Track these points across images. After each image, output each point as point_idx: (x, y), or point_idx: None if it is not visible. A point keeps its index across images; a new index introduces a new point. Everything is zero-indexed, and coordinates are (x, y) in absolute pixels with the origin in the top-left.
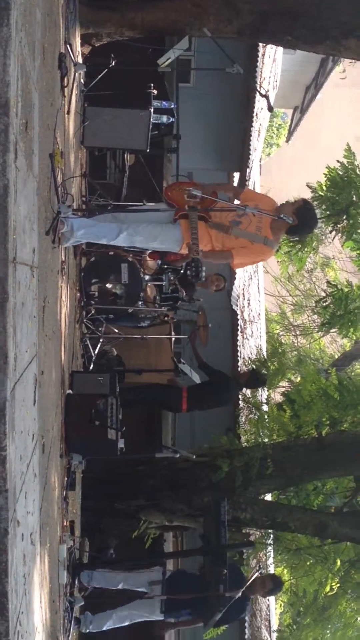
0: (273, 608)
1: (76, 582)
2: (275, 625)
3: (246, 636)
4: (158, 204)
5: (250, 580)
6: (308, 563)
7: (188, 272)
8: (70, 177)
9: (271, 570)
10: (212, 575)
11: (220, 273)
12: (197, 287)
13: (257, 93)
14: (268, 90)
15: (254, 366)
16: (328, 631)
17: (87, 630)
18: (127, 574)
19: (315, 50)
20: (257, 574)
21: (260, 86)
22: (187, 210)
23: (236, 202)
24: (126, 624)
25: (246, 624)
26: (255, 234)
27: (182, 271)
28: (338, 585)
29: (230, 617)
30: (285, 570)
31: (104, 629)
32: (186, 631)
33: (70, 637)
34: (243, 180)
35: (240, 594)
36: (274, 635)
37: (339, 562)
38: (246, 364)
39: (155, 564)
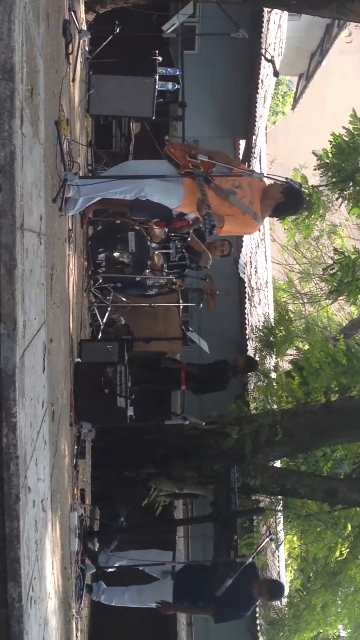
0: (283, 574)
1: (89, 546)
2: (285, 591)
3: (257, 602)
4: (160, 161)
5: (261, 546)
6: (318, 529)
7: (202, 226)
8: (75, 141)
9: (281, 536)
10: (223, 542)
11: (226, 238)
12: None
13: (263, 58)
14: (273, 57)
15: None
16: (338, 597)
17: (97, 599)
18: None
19: (321, 14)
20: (267, 539)
21: (266, 51)
22: (192, 169)
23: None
24: (136, 606)
25: (255, 602)
26: (248, 207)
27: (188, 239)
28: (348, 550)
29: (235, 612)
30: (295, 537)
31: (113, 604)
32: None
33: (82, 604)
34: (249, 147)
35: (250, 559)
36: (284, 600)
37: (349, 527)
38: (253, 331)
39: (166, 532)
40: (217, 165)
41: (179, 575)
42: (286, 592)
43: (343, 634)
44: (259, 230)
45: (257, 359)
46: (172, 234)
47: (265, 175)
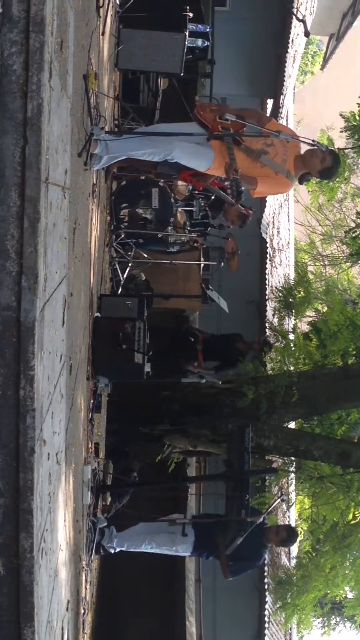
0: None
1: (99, 503)
2: (294, 551)
3: (266, 561)
4: (190, 123)
5: (272, 506)
6: (330, 491)
7: (229, 191)
8: (103, 94)
9: (293, 497)
10: (235, 500)
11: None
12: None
13: (294, 17)
14: (304, 16)
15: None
16: (347, 559)
17: (108, 545)
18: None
19: None
20: (278, 500)
21: (297, 10)
22: (221, 131)
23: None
24: (148, 551)
25: (267, 550)
26: (281, 166)
27: (212, 197)
28: None
29: (248, 565)
30: (307, 499)
31: (123, 549)
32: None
33: (92, 557)
34: (277, 107)
35: (262, 519)
36: (293, 561)
37: None
38: (273, 292)
39: (178, 488)
40: (247, 125)
41: (199, 526)
42: (295, 553)
43: (350, 595)
44: (291, 189)
45: (275, 320)
46: (196, 192)
47: (292, 136)
